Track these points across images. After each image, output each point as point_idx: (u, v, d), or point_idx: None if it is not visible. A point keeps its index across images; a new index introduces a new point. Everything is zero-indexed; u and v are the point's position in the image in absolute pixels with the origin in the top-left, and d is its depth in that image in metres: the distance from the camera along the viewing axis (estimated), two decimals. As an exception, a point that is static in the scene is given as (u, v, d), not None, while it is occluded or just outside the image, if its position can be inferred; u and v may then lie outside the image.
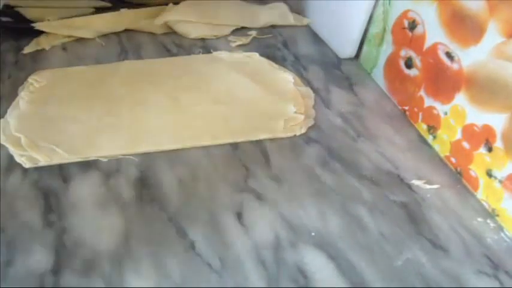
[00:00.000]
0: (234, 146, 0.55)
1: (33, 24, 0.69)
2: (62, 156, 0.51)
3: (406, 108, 0.61)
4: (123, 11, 0.74)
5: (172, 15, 0.74)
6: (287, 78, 0.65)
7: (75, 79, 0.62)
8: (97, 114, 0.57)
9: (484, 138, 0.49)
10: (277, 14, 0.79)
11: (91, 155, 0.52)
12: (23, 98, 0.59)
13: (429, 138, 0.57)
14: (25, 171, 0.50)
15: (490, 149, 0.48)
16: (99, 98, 0.59)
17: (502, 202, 0.48)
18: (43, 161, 0.51)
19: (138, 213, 0.47)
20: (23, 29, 0.70)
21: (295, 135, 0.57)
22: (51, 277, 0.41)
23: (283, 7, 0.81)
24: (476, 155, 0.50)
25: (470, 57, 0.50)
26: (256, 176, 0.51)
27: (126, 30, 0.74)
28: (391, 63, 0.63)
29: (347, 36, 0.69)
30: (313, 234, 0.46)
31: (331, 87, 0.65)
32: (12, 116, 0.56)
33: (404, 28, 0.60)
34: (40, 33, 0.70)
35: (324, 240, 0.45)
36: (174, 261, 0.43)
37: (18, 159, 0.51)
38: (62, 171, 0.50)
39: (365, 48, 0.69)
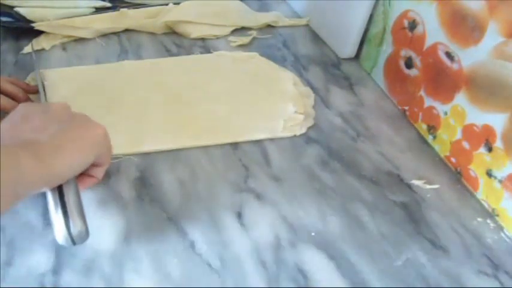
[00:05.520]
0: (234, 146, 0.55)
1: (33, 24, 0.69)
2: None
3: (406, 108, 0.61)
4: (123, 11, 0.74)
5: (172, 15, 0.74)
6: (287, 78, 0.65)
7: (75, 79, 0.62)
8: (97, 114, 0.56)
9: (484, 138, 0.49)
10: (277, 15, 0.79)
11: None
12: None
13: (429, 138, 0.57)
14: (25, 171, 0.50)
15: (490, 149, 0.48)
16: (99, 98, 0.59)
17: (502, 202, 0.48)
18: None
19: (138, 213, 0.47)
20: (22, 29, 0.69)
21: (295, 135, 0.57)
22: (51, 277, 0.41)
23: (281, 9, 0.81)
24: (476, 155, 0.50)
25: (470, 57, 0.50)
26: (256, 176, 0.51)
27: (126, 30, 0.74)
28: (391, 63, 0.63)
29: (347, 36, 0.69)
30: (313, 234, 0.46)
31: (331, 87, 0.65)
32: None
33: (404, 28, 0.60)
34: (40, 33, 0.70)
35: (324, 240, 0.45)
36: (174, 261, 0.43)
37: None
38: (62, 171, 0.50)
39: (365, 48, 0.69)
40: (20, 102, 0.54)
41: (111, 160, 0.45)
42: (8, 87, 0.54)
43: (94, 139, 0.40)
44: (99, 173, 0.43)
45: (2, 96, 0.52)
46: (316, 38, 0.76)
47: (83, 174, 0.42)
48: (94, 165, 0.42)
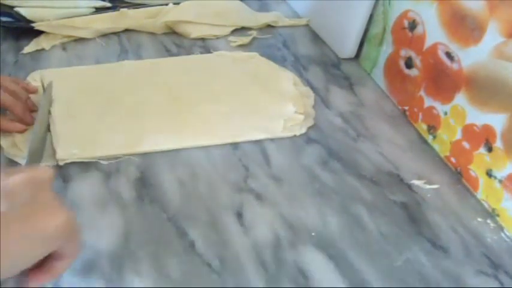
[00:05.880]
0: (234, 146, 0.55)
1: (33, 24, 0.69)
2: (61, 156, 0.51)
3: (406, 108, 0.61)
4: (123, 11, 0.74)
5: (172, 15, 0.74)
6: (287, 78, 0.65)
7: (75, 79, 0.62)
8: (97, 114, 0.57)
9: (484, 138, 0.49)
10: (277, 15, 0.79)
11: (91, 155, 0.52)
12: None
13: (429, 138, 0.57)
14: (25, 171, 0.50)
15: (490, 149, 0.48)
16: (99, 98, 0.59)
17: (502, 202, 0.48)
18: (43, 161, 0.50)
19: (138, 213, 0.47)
20: (22, 29, 0.69)
21: (295, 135, 0.57)
22: (51, 277, 0.41)
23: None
24: (476, 155, 0.50)
25: (470, 57, 0.50)
26: (256, 176, 0.51)
27: (126, 30, 0.74)
28: (391, 63, 0.63)
29: (347, 36, 0.69)
30: (313, 234, 0.46)
31: (331, 87, 0.65)
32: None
33: (404, 28, 0.60)
34: (40, 33, 0.70)
35: (324, 240, 0.45)
36: (174, 261, 0.43)
37: (18, 159, 0.51)
38: (62, 171, 0.50)
39: (365, 48, 0.69)
40: (20, 101, 0.54)
41: (80, 247, 0.33)
42: (10, 85, 0.54)
43: (48, 230, 0.30)
44: (58, 268, 0.33)
45: (2, 92, 0.53)
46: (316, 38, 0.76)
47: (37, 269, 0.32)
48: (53, 258, 0.32)
